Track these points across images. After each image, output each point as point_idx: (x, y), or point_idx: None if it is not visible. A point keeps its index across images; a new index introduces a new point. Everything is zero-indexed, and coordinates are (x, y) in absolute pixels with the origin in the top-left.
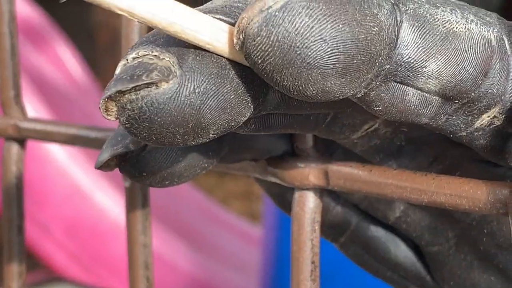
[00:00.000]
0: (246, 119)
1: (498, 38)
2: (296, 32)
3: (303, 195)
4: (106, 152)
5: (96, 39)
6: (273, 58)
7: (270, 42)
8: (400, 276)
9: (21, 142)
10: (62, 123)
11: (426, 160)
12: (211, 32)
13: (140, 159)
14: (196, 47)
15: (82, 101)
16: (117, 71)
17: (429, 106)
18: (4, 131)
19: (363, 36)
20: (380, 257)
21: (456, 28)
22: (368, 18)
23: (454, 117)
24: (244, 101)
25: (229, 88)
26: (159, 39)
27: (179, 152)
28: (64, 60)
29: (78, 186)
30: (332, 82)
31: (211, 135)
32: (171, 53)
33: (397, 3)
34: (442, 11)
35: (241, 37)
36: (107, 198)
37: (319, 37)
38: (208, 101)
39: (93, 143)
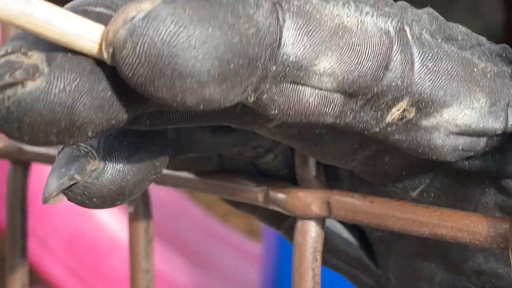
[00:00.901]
0: (131, 116)
1: (397, 28)
2: (162, 41)
3: (305, 224)
4: (51, 186)
5: None
6: (142, 70)
7: (137, 54)
8: (347, 264)
9: (26, 165)
10: None
11: (351, 147)
12: (85, 35)
13: (88, 186)
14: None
15: None
16: None
17: (331, 105)
18: (9, 154)
19: (237, 39)
20: (333, 247)
21: (347, 22)
22: (242, 19)
23: (362, 114)
24: (124, 99)
25: (105, 85)
26: (26, 36)
27: (126, 172)
28: None
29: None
30: (211, 89)
31: (89, 134)
32: (40, 50)
33: (279, 1)
34: (333, 5)
35: (110, 50)
36: (106, 213)
37: (187, 45)
38: (81, 99)
39: None
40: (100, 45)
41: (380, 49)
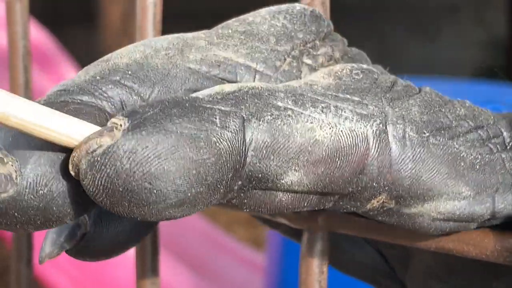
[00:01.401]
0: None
1: (378, 131)
2: (118, 177)
3: (311, 237)
4: (44, 251)
5: None
6: (101, 198)
7: (95, 186)
8: (371, 273)
9: None
10: None
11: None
12: (63, 130)
13: (80, 250)
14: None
15: None
16: None
17: (307, 200)
18: None
19: (195, 171)
20: (347, 257)
21: (319, 135)
22: (202, 151)
23: (341, 203)
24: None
25: (74, 187)
26: (6, 133)
27: (118, 233)
28: None
29: None
30: (171, 211)
31: (68, 222)
32: (15, 158)
33: (251, 118)
34: (309, 114)
35: (75, 169)
36: None
37: (143, 181)
38: (54, 201)
39: None
40: (74, 149)
41: (354, 157)
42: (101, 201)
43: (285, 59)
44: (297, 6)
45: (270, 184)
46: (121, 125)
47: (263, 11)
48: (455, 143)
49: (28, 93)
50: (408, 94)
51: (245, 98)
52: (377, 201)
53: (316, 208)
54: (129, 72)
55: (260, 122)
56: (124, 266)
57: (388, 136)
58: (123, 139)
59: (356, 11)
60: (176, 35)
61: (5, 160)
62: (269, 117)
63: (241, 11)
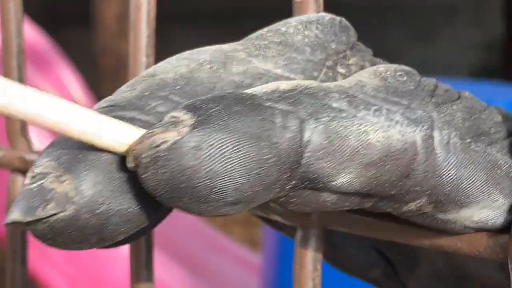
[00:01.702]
0: (158, 218)
1: (425, 136)
2: (181, 174)
3: (305, 234)
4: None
5: (99, 64)
6: (161, 193)
7: (157, 180)
8: (371, 275)
9: (26, 174)
10: None
11: None
12: (119, 138)
13: None
14: (97, 153)
15: None
16: (26, 180)
17: (349, 201)
18: (11, 163)
19: (256, 172)
20: (350, 260)
21: (373, 139)
22: (264, 150)
23: (379, 204)
24: (148, 209)
25: (133, 202)
26: (61, 148)
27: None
28: (67, 86)
29: None
30: (227, 208)
31: (120, 240)
32: (72, 175)
33: (309, 118)
34: (362, 117)
35: (133, 164)
36: None
37: (206, 178)
38: (110, 219)
39: None
40: (126, 150)
41: (403, 162)
42: (161, 195)
43: (321, 70)
44: (326, 16)
45: (320, 185)
46: (183, 120)
47: (293, 21)
48: (493, 150)
49: None
50: (451, 99)
51: (302, 97)
52: (415, 205)
53: (353, 208)
54: (177, 87)
55: (317, 123)
56: (120, 265)
57: (434, 142)
58: (189, 136)
59: (352, 12)
60: (214, 47)
61: (62, 179)
62: (325, 118)
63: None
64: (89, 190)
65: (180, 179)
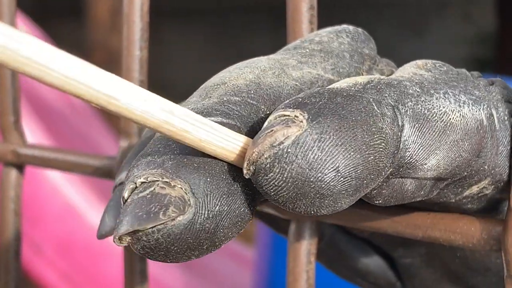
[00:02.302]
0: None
1: (488, 115)
2: (310, 167)
3: (299, 226)
4: (106, 225)
5: (92, 59)
6: (286, 192)
7: (284, 178)
8: (370, 283)
9: (20, 167)
10: (60, 150)
11: None
12: (220, 142)
13: None
14: (202, 155)
15: (77, 122)
16: (126, 194)
17: (424, 189)
18: (4, 156)
19: (372, 157)
20: (351, 265)
21: (453, 119)
22: (375, 136)
23: (445, 191)
24: (252, 209)
25: (239, 204)
26: (161, 156)
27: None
28: None
29: (71, 206)
30: (343, 201)
31: (220, 246)
32: (182, 179)
33: (397, 104)
34: (437, 99)
35: (251, 168)
36: (100, 218)
37: (332, 169)
38: (222, 222)
39: (91, 170)
40: (238, 156)
41: (477, 140)
42: (285, 195)
43: (361, 73)
44: (350, 26)
45: (412, 170)
46: (296, 116)
47: (322, 32)
48: None
49: (15, 84)
50: (490, 82)
51: (382, 87)
52: (478, 187)
53: (423, 198)
54: (252, 91)
55: (406, 108)
56: (114, 261)
57: (494, 119)
58: (310, 129)
59: (342, 6)
60: (264, 58)
61: (172, 184)
62: (410, 103)
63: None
64: (202, 193)
65: (308, 174)
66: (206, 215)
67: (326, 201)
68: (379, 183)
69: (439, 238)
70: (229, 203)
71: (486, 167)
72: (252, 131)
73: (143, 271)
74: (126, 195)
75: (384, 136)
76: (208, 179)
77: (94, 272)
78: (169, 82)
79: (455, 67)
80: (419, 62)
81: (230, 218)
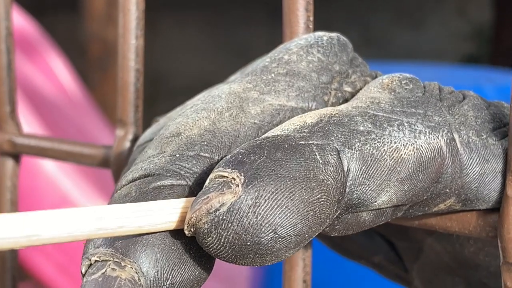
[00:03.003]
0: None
1: (448, 140)
2: (246, 232)
3: None
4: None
5: (88, 51)
6: (226, 254)
7: (221, 243)
8: (374, 264)
9: (16, 157)
10: (56, 139)
11: None
12: (160, 219)
13: None
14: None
15: (73, 112)
16: (83, 270)
17: (384, 215)
18: (0, 146)
19: (311, 213)
20: (355, 248)
21: (404, 153)
22: (315, 191)
23: (410, 211)
24: (209, 266)
25: (192, 269)
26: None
27: None
28: (56, 72)
29: (67, 198)
30: (286, 254)
31: None
32: (131, 259)
33: (343, 148)
34: (389, 134)
35: (192, 230)
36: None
37: (269, 232)
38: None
39: (86, 160)
40: (180, 221)
41: (434, 169)
42: (225, 256)
43: (330, 93)
44: (324, 36)
45: (362, 208)
46: (233, 179)
47: (293, 47)
48: (504, 142)
49: (11, 75)
50: (458, 100)
51: (331, 128)
52: (445, 205)
53: (386, 220)
54: (205, 143)
55: (353, 151)
56: None
57: (456, 143)
58: (245, 195)
59: None
60: (226, 90)
61: (123, 264)
62: (358, 144)
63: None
64: (152, 270)
65: (244, 238)
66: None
67: (268, 258)
68: (328, 224)
69: (435, 225)
70: (181, 272)
71: (447, 190)
72: (202, 185)
73: None
74: (83, 270)
75: (325, 188)
76: (158, 255)
77: None
78: (165, 74)
79: (451, 61)
80: (386, 79)
81: (185, 285)
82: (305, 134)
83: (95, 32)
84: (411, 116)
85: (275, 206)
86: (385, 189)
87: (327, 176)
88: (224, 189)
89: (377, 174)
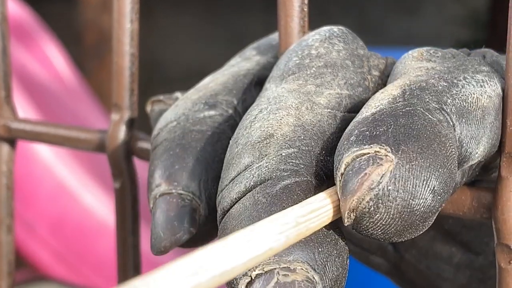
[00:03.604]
0: None
1: (502, 86)
2: (412, 197)
3: None
4: (166, 240)
5: (83, 39)
6: (394, 227)
7: (391, 216)
8: (363, 249)
9: (12, 142)
10: (52, 124)
11: None
12: (310, 223)
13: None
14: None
15: (69, 100)
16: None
17: (465, 176)
18: None
19: (453, 166)
20: (346, 233)
21: (485, 102)
22: (447, 145)
23: (476, 170)
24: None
25: (346, 257)
26: None
27: None
28: (51, 59)
29: (64, 185)
30: (435, 217)
31: None
32: (298, 260)
33: (441, 106)
34: (463, 87)
35: (352, 216)
36: (93, 197)
37: (429, 192)
38: (341, 283)
39: (82, 144)
40: (332, 215)
41: (500, 115)
42: (394, 229)
43: (366, 77)
44: (333, 28)
45: (465, 163)
46: (377, 152)
47: (313, 42)
48: None
49: (6, 60)
50: (483, 55)
51: (418, 93)
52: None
53: (463, 183)
54: (302, 137)
55: (450, 106)
56: (105, 239)
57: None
58: (400, 160)
59: None
60: (282, 90)
61: (292, 267)
62: (449, 100)
63: None
64: (320, 265)
65: (412, 204)
66: (330, 285)
67: (427, 223)
68: None
69: None
70: (342, 263)
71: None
72: (318, 177)
73: (136, 246)
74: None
75: (451, 142)
76: (319, 249)
77: (86, 251)
78: (161, 61)
79: (447, 46)
80: (414, 53)
81: (344, 275)
82: (402, 103)
83: (91, 19)
84: (466, 71)
85: (428, 165)
86: (482, 138)
87: (447, 132)
88: (378, 160)
89: (474, 124)
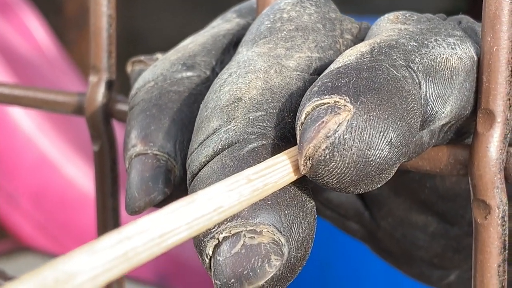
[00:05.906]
0: None
1: (475, 50)
2: (368, 147)
3: None
4: (141, 200)
5: (64, 9)
6: (349, 177)
7: (346, 164)
8: (340, 215)
9: None
10: (30, 87)
11: None
12: (272, 177)
13: (170, 195)
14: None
15: (49, 71)
16: (210, 251)
17: (434, 136)
18: None
19: (413, 121)
20: (323, 197)
21: (454, 63)
22: (409, 100)
23: (448, 133)
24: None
25: (313, 218)
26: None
27: None
28: (31, 30)
29: (45, 157)
30: (393, 171)
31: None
32: (265, 223)
33: (408, 63)
34: (433, 48)
35: (308, 163)
36: (74, 168)
37: (386, 143)
38: (308, 245)
39: (60, 107)
40: (293, 172)
41: (473, 78)
42: (349, 179)
43: (337, 41)
44: None
45: (432, 121)
46: (337, 102)
47: (285, 5)
48: None
49: None
50: (458, 20)
51: (387, 50)
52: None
53: (434, 144)
54: (270, 100)
55: (417, 65)
56: (88, 212)
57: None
58: (358, 110)
59: None
60: (252, 54)
61: (258, 230)
62: (417, 58)
63: None
64: (287, 227)
65: (367, 154)
66: (296, 246)
67: (383, 175)
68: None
69: (407, 165)
70: (309, 225)
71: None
72: (285, 139)
73: (115, 208)
74: (210, 252)
75: (413, 97)
76: (286, 211)
77: (69, 222)
78: (141, 35)
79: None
80: (390, 16)
81: (311, 237)
82: (369, 58)
83: None
84: (438, 34)
85: (386, 117)
86: (449, 98)
87: (411, 87)
88: (336, 109)
89: (440, 83)
